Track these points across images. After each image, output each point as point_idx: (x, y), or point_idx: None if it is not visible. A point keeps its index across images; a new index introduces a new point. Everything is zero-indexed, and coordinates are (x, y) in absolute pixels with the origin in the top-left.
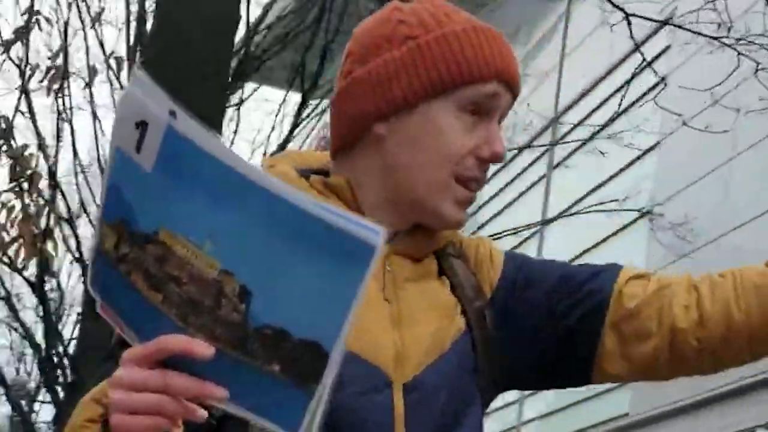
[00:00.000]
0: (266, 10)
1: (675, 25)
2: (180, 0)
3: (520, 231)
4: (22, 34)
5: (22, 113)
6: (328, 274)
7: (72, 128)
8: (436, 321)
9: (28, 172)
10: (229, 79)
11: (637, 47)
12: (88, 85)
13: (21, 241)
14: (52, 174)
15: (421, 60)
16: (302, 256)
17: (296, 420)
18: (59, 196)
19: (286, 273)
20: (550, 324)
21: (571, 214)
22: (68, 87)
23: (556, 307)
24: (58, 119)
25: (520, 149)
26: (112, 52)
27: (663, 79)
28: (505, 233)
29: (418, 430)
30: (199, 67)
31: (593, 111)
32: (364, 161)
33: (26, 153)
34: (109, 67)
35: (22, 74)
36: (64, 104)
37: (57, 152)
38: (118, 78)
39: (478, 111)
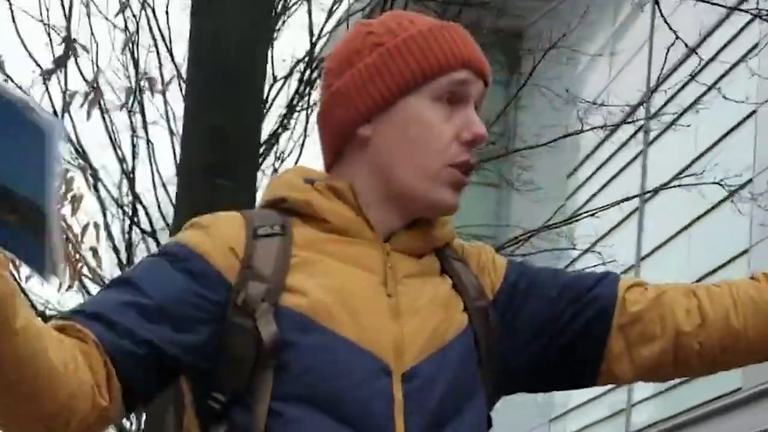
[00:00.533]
0: (329, 14)
1: None
2: (213, 10)
3: (619, 203)
4: (61, 62)
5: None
6: (29, 148)
7: (149, 143)
8: (437, 315)
9: (70, 194)
10: (293, 85)
11: (728, 14)
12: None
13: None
14: (133, 190)
15: (391, 61)
16: (7, 132)
17: (42, 267)
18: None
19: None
20: (554, 329)
21: (670, 187)
22: (141, 104)
23: (561, 313)
24: (132, 136)
25: (616, 126)
26: (145, 73)
27: (755, 46)
28: (606, 207)
29: (416, 418)
30: (236, 74)
31: (686, 83)
32: (356, 165)
33: (68, 176)
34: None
35: (64, 99)
36: (144, 120)
37: (134, 168)
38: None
39: (453, 99)
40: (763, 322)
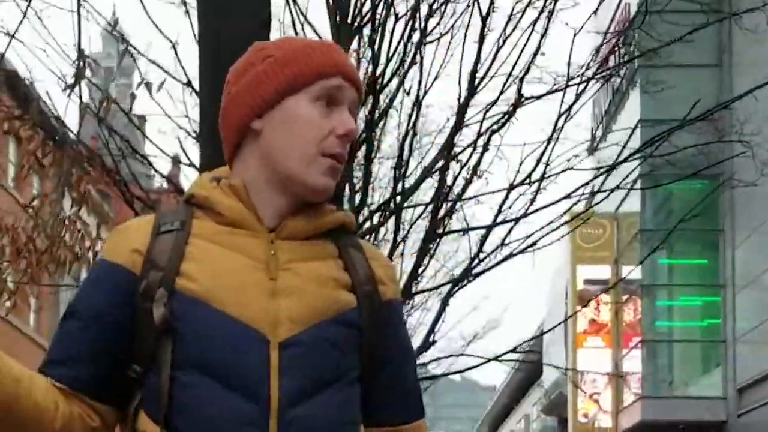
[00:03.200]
0: None
1: None
2: (217, 11)
3: None
4: (78, 78)
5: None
6: None
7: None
8: (316, 294)
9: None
10: None
11: None
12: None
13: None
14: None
15: (278, 67)
16: None
17: None
18: None
19: None
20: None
21: None
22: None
23: (371, 371)
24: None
25: None
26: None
27: None
28: None
29: (290, 382)
30: None
31: None
32: (249, 155)
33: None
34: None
35: (80, 111)
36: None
37: None
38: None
39: (330, 101)
40: None
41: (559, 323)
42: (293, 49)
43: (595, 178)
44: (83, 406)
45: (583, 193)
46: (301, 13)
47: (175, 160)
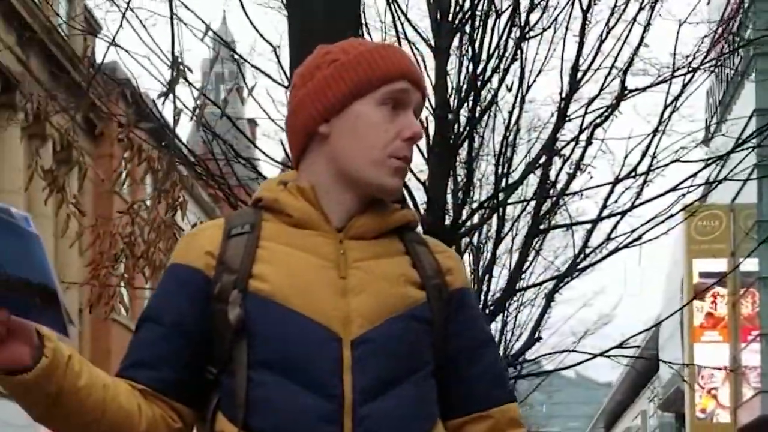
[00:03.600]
0: None
1: None
2: (306, 13)
3: None
4: (172, 85)
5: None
6: (26, 245)
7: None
8: (386, 291)
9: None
10: None
11: None
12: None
13: None
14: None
15: (345, 72)
16: (9, 239)
17: (64, 329)
18: None
19: (8, 248)
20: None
21: None
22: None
23: (450, 356)
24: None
25: None
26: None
27: None
28: None
29: (363, 379)
30: None
31: None
32: (317, 159)
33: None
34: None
35: (174, 117)
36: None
37: None
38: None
39: (395, 105)
40: None
41: (672, 314)
42: (358, 53)
43: (703, 168)
44: (165, 408)
45: (691, 185)
46: (402, 11)
47: (284, 165)
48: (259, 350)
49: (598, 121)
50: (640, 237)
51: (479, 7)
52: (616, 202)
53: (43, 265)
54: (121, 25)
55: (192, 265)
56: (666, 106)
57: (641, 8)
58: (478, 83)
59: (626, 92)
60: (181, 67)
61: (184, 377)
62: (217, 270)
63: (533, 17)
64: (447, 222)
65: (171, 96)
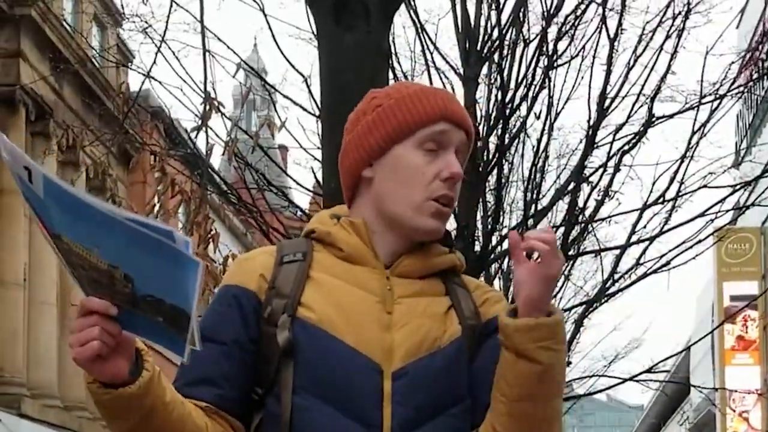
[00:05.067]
0: None
1: None
2: (335, 46)
3: None
4: (205, 119)
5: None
6: (174, 267)
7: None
8: (426, 327)
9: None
10: None
11: None
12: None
13: None
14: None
15: (385, 117)
16: (154, 258)
17: (182, 351)
18: None
19: (149, 266)
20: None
21: None
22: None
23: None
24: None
25: None
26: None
27: None
28: None
29: (402, 410)
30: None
31: None
32: (364, 199)
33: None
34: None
35: (207, 151)
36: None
37: None
38: None
39: (435, 147)
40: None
41: (703, 337)
42: (400, 97)
43: (731, 194)
44: (225, 426)
45: (719, 210)
46: (431, 41)
47: (315, 192)
48: (304, 375)
49: (626, 147)
50: (668, 262)
51: (508, 36)
52: (644, 227)
53: (185, 289)
54: (155, 61)
55: (246, 287)
56: (693, 133)
57: (668, 36)
58: (507, 111)
59: (654, 119)
60: (215, 102)
61: (242, 395)
62: (269, 294)
63: (561, 46)
64: (477, 248)
65: (204, 129)
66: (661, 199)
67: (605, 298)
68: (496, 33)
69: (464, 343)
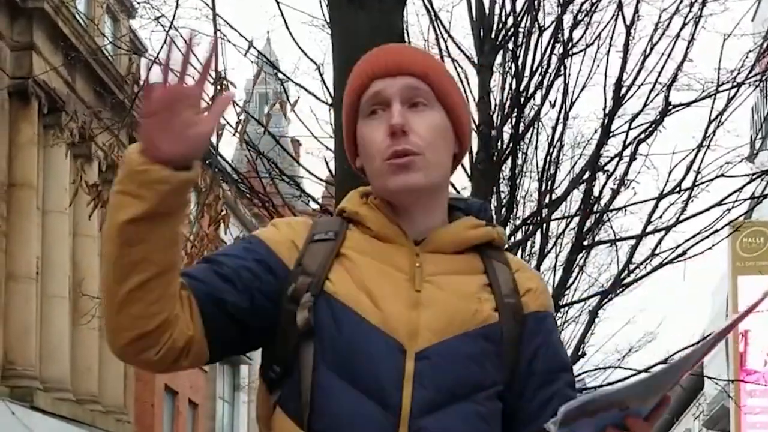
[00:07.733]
0: None
1: None
2: (348, 32)
3: None
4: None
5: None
6: None
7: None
8: (456, 307)
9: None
10: None
11: None
12: None
13: None
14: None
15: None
16: None
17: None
18: None
19: None
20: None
21: None
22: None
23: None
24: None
25: None
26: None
27: None
28: None
29: (423, 391)
30: None
31: None
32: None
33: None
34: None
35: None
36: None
37: None
38: None
39: (378, 108)
40: None
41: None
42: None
43: (748, 183)
44: (190, 313)
45: (737, 200)
46: (445, 29)
47: (327, 182)
48: (326, 354)
49: (642, 136)
50: (684, 252)
51: (522, 24)
52: (660, 217)
53: None
54: (164, 44)
55: (273, 248)
56: (710, 121)
57: (685, 24)
58: (522, 100)
59: (670, 107)
60: (225, 82)
61: (219, 312)
62: (295, 270)
63: (576, 33)
64: None
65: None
66: (678, 189)
67: (621, 289)
68: (510, 21)
69: (500, 326)
